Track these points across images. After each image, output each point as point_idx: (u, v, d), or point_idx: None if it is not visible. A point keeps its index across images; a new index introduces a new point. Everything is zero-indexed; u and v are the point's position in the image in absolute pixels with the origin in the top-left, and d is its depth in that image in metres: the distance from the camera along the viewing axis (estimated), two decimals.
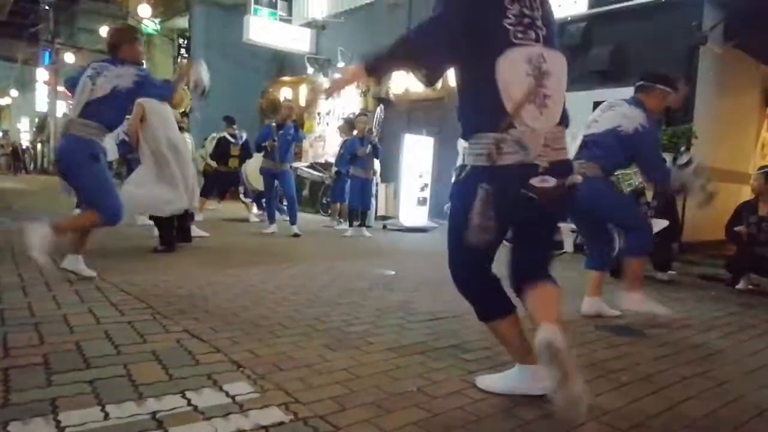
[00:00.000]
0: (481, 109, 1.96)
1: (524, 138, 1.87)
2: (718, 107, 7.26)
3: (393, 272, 4.77)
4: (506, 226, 2.04)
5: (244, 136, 10.15)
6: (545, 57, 1.94)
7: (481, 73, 1.91)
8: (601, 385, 2.31)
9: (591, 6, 7.56)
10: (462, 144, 7.44)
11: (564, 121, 2.09)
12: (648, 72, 3.75)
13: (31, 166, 33.19)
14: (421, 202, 9.01)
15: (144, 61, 3.89)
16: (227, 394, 1.99)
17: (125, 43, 3.82)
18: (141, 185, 4.95)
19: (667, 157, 6.33)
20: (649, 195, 5.29)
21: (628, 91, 7.39)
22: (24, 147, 32.61)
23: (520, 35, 1.90)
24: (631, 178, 6.13)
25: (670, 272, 5.25)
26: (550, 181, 1.87)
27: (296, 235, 6.89)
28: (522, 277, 2.17)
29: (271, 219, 7.33)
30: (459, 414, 1.96)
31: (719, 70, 7.21)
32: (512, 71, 1.87)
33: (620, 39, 7.42)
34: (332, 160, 9.26)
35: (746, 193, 6.61)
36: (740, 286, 4.90)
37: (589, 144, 3.55)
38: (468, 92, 2.03)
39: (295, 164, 8.67)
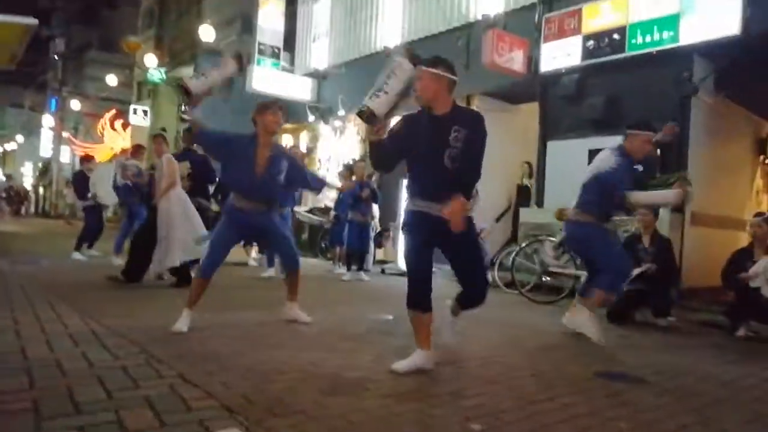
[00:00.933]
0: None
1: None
2: (712, 155, 7.37)
3: (391, 317, 4.73)
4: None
5: None
6: None
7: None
8: (598, 431, 2.27)
9: (584, 58, 7.77)
10: None
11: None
12: (632, 120, 4.21)
13: (32, 209, 33.36)
14: None
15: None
16: None
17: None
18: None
19: None
20: (646, 240, 5.31)
21: (621, 140, 7.54)
22: (26, 191, 32.82)
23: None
24: (627, 224, 6.16)
25: (669, 318, 5.22)
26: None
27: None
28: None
29: (270, 263, 7.32)
30: None
31: (711, 119, 7.36)
32: None
33: (614, 89, 7.61)
34: (331, 204, 9.33)
35: (742, 240, 6.64)
36: (740, 333, 4.86)
37: (580, 192, 4.25)
38: None
39: (295, 209, 8.71)
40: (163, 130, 8.61)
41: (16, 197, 27.48)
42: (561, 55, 8.05)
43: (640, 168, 7.01)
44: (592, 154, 7.70)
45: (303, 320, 4.17)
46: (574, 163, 7.84)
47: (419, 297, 3.11)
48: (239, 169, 3.92)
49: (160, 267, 5.68)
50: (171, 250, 5.48)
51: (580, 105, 7.91)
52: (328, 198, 7.50)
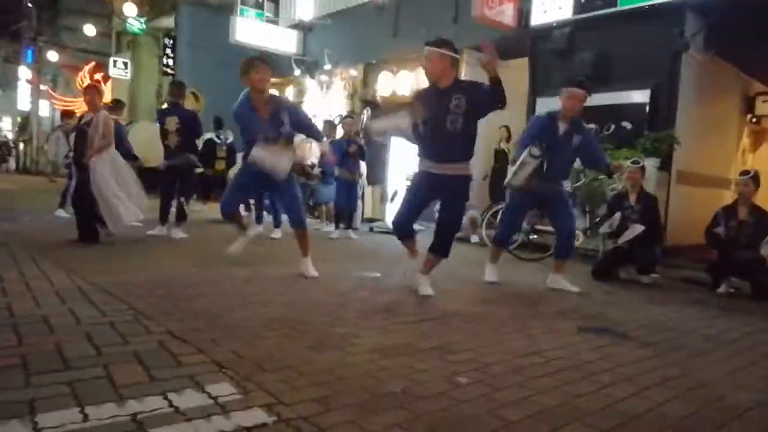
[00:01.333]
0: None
1: None
2: (700, 113, 7.37)
3: (378, 275, 4.76)
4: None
5: (231, 137, 10.08)
6: None
7: None
8: (583, 386, 2.33)
9: (576, 12, 7.63)
10: None
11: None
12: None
13: (12, 165, 32.68)
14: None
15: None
16: (209, 396, 1.97)
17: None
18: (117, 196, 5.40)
19: (652, 161, 6.43)
20: (632, 198, 5.35)
21: (612, 96, 7.50)
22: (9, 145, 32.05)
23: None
24: (615, 182, 6.18)
25: (653, 275, 5.32)
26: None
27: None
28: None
29: (258, 220, 7.30)
30: (443, 415, 1.96)
31: (701, 77, 7.32)
32: None
33: (605, 44, 7.50)
34: (316, 161, 9.23)
35: (727, 198, 6.72)
36: (721, 289, 4.97)
37: None
38: None
39: None
40: (117, 101, 8.35)
41: (4, 149, 26.86)
42: (552, 8, 7.89)
43: (628, 126, 7.02)
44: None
45: (309, 274, 4.34)
46: None
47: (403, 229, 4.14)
48: (248, 129, 4.18)
49: (115, 227, 5.54)
50: (115, 210, 5.39)
51: (571, 60, 7.81)
52: (314, 155, 7.41)
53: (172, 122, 6.24)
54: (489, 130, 9.45)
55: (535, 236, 6.61)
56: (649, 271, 5.28)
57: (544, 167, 4.40)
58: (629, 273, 5.40)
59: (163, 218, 6.43)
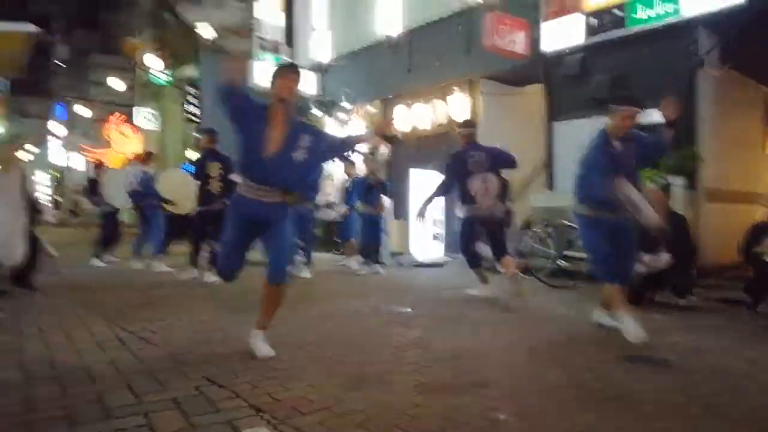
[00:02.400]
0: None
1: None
2: (722, 129, 7.28)
3: (409, 309, 4.75)
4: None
5: None
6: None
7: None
8: (623, 414, 2.28)
9: (587, 36, 7.69)
10: None
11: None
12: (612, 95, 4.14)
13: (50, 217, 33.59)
14: (436, 236, 9.03)
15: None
16: None
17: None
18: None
19: (678, 180, 6.33)
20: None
21: None
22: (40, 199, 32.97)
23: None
24: None
25: (690, 297, 5.19)
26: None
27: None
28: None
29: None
30: None
31: (719, 92, 7.26)
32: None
33: (619, 66, 7.52)
34: (333, 200, 9.27)
35: (759, 214, 6.57)
36: (762, 308, 4.82)
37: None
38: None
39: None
40: (149, 154, 8.69)
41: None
42: (563, 34, 7.97)
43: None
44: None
45: (258, 354, 3.18)
46: (583, 143, 7.79)
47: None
48: (248, 146, 3.22)
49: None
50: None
51: (586, 84, 7.83)
52: (329, 194, 7.53)
53: (215, 168, 6.32)
54: (517, 149, 9.41)
55: (564, 263, 6.54)
56: (686, 294, 5.16)
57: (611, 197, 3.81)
58: (665, 296, 5.28)
59: (194, 262, 6.51)
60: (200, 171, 6.41)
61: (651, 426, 2.19)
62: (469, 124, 5.78)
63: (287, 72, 3.30)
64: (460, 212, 5.59)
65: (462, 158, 5.43)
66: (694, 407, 2.41)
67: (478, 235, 5.59)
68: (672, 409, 2.38)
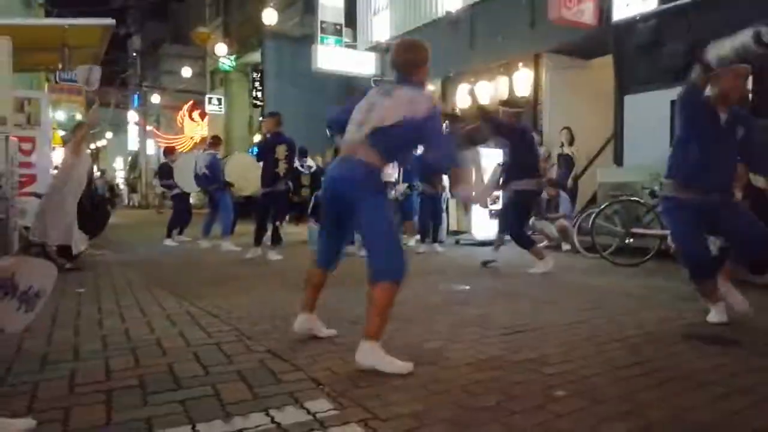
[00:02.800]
0: None
1: None
2: None
3: (467, 287, 4.72)
4: None
5: (313, 165, 10.49)
6: None
7: None
8: (693, 398, 2.18)
9: (661, 2, 7.25)
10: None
11: None
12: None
13: (127, 202, 35.68)
14: (494, 215, 8.88)
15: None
16: (308, 412, 2.05)
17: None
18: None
19: None
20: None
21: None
22: (116, 184, 34.95)
23: None
24: None
25: (766, 276, 4.87)
26: None
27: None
28: None
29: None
30: (541, 429, 1.92)
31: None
32: None
33: (695, 33, 7.04)
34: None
35: None
36: None
37: None
38: None
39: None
40: (216, 138, 9.03)
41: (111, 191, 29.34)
42: (635, 1, 7.54)
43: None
44: (675, 105, 7.26)
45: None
46: (655, 117, 7.41)
47: None
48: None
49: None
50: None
51: (659, 54, 7.42)
52: (389, 174, 7.54)
53: (282, 150, 6.55)
54: (587, 124, 9.13)
55: (632, 240, 6.28)
56: (763, 272, 4.84)
57: (706, 171, 3.37)
58: (741, 273, 4.97)
59: (258, 241, 6.75)
60: (267, 153, 6.60)
61: (717, 407, 2.09)
62: (515, 104, 5.81)
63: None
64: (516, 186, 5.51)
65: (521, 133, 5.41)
66: (763, 388, 2.28)
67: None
68: (743, 392, 2.25)
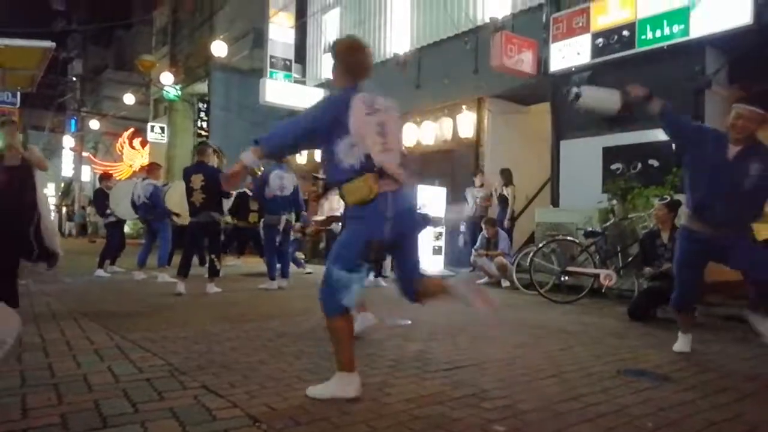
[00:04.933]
0: None
1: None
2: None
3: (409, 322, 4.74)
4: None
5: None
6: None
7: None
8: (621, 428, 2.25)
9: (594, 56, 7.74)
10: (471, 192, 7.48)
11: None
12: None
13: (60, 229, 33.91)
14: (437, 250, 9.02)
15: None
16: None
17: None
18: None
19: (683, 198, 6.31)
20: (665, 237, 5.25)
21: (637, 135, 7.50)
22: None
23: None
24: (645, 220, 6.11)
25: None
26: None
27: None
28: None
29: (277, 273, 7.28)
30: None
31: (726, 112, 7.25)
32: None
33: (625, 86, 7.53)
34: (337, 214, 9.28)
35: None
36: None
37: None
38: None
39: (315, 218, 8.73)
40: (154, 164, 8.80)
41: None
42: (570, 54, 8.02)
43: (655, 164, 6.90)
44: (607, 151, 7.71)
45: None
46: (588, 162, 7.81)
47: None
48: None
49: None
50: None
51: None
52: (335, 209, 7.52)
53: (198, 180, 6.37)
54: (525, 166, 9.44)
55: (567, 278, 6.51)
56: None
57: (712, 207, 3.31)
58: (667, 312, 5.24)
59: (182, 273, 6.36)
60: (186, 183, 6.50)
61: None
62: None
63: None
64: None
65: None
66: (693, 423, 2.38)
67: None
68: (672, 425, 2.34)
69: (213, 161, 6.79)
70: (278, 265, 7.23)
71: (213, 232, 6.56)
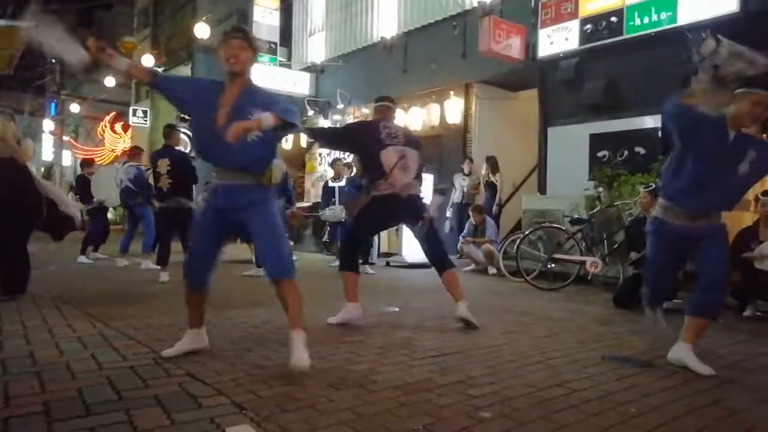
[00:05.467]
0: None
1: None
2: None
3: (397, 309, 4.74)
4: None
5: None
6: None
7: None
8: (610, 417, 2.27)
9: (582, 42, 7.73)
10: (458, 179, 7.47)
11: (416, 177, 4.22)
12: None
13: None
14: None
15: None
16: None
17: None
18: None
19: None
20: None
21: (623, 123, 7.53)
22: None
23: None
24: (631, 207, 6.15)
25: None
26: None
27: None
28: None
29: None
30: None
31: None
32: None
33: (613, 72, 7.57)
34: (319, 201, 9.26)
35: (747, 220, 6.61)
36: (747, 312, 4.85)
37: None
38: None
39: (301, 205, 8.69)
40: (136, 148, 8.63)
41: None
42: (558, 39, 8.01)
43: (642, 151, 6.93)
44: (594, 138, 7.74)
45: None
46: (576, 148, 7.83)
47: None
48: (197, 123, 2.95)
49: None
50: None
51: (580, 89, 7.88)
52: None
53: (164, 164, 6.16)
54: (512, 153, 9.47)
55: (554, 265, 6.56)
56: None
57: (696, 193, 3.07)
58: None
59: (162, 261, 6.26)
60: (153, 168, 6.38)
61: (631, 424, 2.19)
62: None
63: (232, 38, 2.89)
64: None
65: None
66: (675, 408, 2.41)
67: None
68: (655, 410, 2.37)
69: (181, 145, 6.64)
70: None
71: (183, 218, 6.22)
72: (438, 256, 4.22)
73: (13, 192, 4.56)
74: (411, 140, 4.26)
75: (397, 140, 4.13)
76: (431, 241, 4.21)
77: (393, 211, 4.19)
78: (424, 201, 4.31)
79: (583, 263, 6.11)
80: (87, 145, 26.91)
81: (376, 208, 4.12)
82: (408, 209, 4.17)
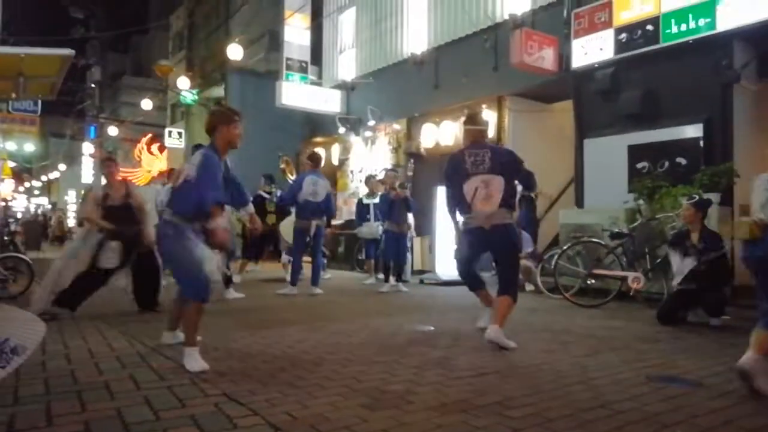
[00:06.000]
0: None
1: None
2: (759, 145, 7.07)
3: (432, 328, 4.67)
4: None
5: (279, 193, 10.30)
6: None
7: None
8: None
9: (618, 51, 7.59)
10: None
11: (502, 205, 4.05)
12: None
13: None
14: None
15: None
16: None
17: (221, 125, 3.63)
18: None
19: (712, 196, 6.15)
20: (695, 237, 5.10)
21: (663, 133, 7.32)
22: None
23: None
24: (674, 220, 5.96)
25: (723, 317, 5.00)
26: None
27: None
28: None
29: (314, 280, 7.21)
30: None
31: (756, 107, 7.07)
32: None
33: (650, 82, 7.39)
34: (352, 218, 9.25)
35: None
36: None
37: None
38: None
39: (334, 222, 8.69)
40: (172, 170, 8.82)
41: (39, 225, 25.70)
42: (593, 50, 7.88)
43: (683, 161, 6.74)
44: (633, 149, 7.55)
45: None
46: (613, 160, 7.65)
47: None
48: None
49: None
50: None
51: (616, 100, 7.72)
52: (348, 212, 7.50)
53: None
54: (548, 166, 9.25)
55: (593, 281, 6.38)
56: (719, 313, 4.97)
57: None
58: (698, 315, 5.10)
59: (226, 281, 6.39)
60: None
61: None
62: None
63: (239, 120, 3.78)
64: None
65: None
66: (723, 429, 2.29)
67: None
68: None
69: None
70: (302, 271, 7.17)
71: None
72: (506, 277, 4.10)
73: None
74: (498, 163, 4.05)
75: (482, 168, 4.04)
76: (505, 267, 4.14)
77: (480, 247, 4.18)
78: (514, 229, 4.12)
79: (624, 278, 5.92)
80: (124, 166, 27.68)
81: (467, 241, 4.19)
82: (493, 243, 4.07)
